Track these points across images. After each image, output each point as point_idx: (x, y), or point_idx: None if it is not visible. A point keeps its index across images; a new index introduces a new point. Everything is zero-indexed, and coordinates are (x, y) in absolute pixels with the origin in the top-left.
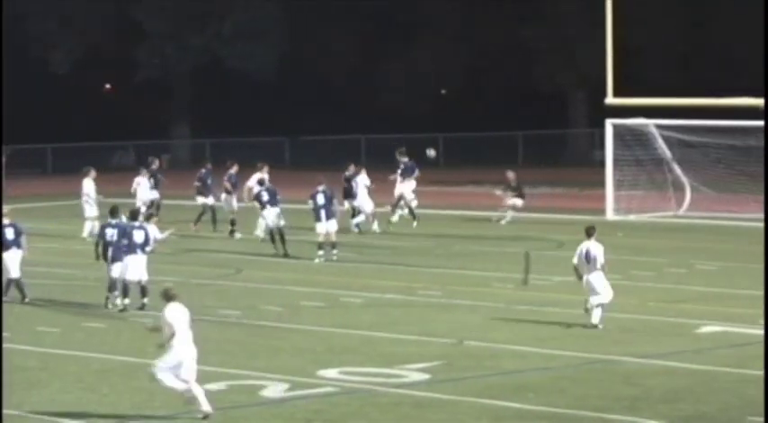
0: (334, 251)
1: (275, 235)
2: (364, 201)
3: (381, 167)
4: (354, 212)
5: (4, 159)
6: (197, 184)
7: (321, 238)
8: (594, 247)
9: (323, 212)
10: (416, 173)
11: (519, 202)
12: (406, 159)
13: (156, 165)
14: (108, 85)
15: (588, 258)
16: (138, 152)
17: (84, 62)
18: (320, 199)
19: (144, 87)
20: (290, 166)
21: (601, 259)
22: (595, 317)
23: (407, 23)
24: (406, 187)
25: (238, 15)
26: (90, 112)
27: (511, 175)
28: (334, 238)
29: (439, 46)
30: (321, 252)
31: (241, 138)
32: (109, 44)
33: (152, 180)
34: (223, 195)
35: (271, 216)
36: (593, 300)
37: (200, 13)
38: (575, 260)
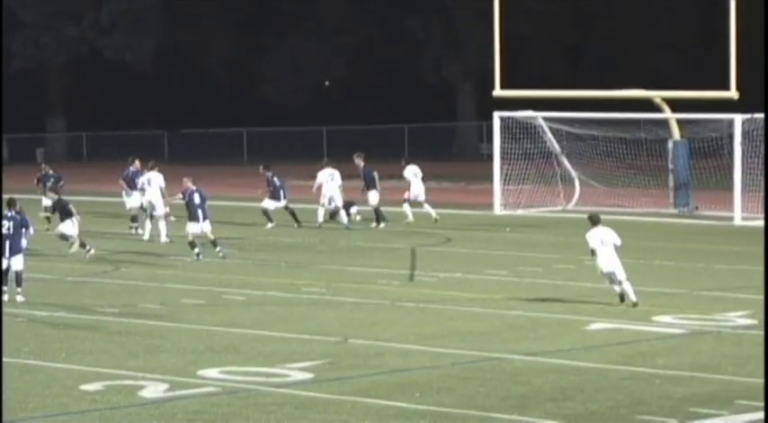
0: (218, 249)
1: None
2: (336, 196)
3: (260, 162)
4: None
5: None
6: (40, 182)
7: (190, 238)
8: (605, 232)
9: (200, 212)
10: (376, 179)
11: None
12: (362, 164)
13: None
14: None
15: (604, 243)
16: (11, 145)
17: None
18: (197, 198)
19: (18, 78)
20: (169, 160)
21: (617, 242)
22: (630, 295)
23: (288, 13)
24: (372, 197)
25: (115, 5)
26: None
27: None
28: (212, 237)
29: (321, 36)
30: (197, 249)
31: (118, 131)
32: None
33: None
34: (123, 194)
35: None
36: (615, 284)
37: (76, 2)
38: (593, 245)
